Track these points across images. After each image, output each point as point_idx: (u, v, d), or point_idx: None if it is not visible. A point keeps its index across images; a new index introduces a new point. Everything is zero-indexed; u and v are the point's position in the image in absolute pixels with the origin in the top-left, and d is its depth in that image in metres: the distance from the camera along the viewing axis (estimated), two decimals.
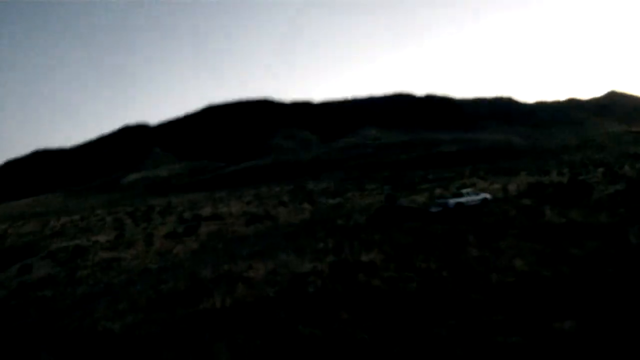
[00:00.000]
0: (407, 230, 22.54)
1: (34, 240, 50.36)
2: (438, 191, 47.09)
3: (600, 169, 55.35)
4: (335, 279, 14.09)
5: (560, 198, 28.81)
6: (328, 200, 51.51)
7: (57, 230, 61.73)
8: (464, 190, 29.65)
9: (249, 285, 14.85)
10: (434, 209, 28.18)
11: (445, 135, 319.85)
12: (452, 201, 27.96)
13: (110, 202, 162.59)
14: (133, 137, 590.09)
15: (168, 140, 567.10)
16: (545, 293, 10.78)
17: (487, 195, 30.32)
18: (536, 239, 17.44)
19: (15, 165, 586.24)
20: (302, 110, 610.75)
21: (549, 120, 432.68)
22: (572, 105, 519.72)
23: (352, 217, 31.68)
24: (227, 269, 17.65)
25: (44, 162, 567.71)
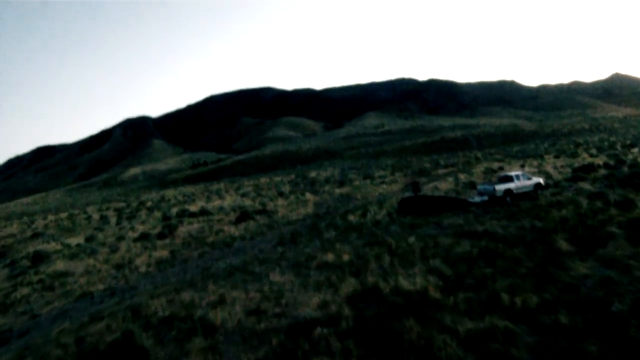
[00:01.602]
0: (452, 229, 16.13)
1: (12, 242, 45.10)
2: (463, 177, 40.51)
3: (635, 150, 48.69)
4: (364, 336, 7.72)
5: (625, 182, 22.59)
6: (334, 189, 44.86)
7: (38, 231, 56.11)
8: (513, 173, 23.05)
9: (211, 341, 8.52)
10: (476, 199, 21.82)
11: (449, 120, 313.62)
12: (500, 187, 21.56)
13: (107, 197, 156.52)
14: (134, 130, 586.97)
15: (169, 132, 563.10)
16: None
17: (540, 180, 23.86)
18: None
19: (17, 162, 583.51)
20: (305, 98, 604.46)
21: (552, 104, 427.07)
22: (576, 88, 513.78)
23: (368, 210, 25.13)
24: (187, 300, 11.32)
25: (46, 158, 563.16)
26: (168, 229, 27.56)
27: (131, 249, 23.99)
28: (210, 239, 23.22)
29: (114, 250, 24.55)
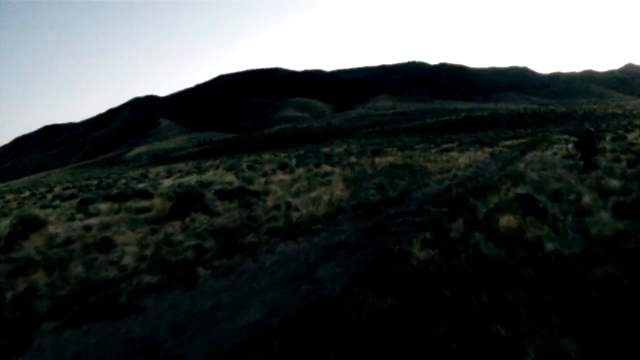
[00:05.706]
0: None
1: None
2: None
3: None
4: None
5: None
6: (373, 158, 27.56)
7: None
8: None
9: None
10: None
11: (462, 104, 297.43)
12: None
13: (93, 175, 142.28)
14: (142, 109, 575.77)
15: (178, 112, 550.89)
16: None
17: None
18: None
19: (24, 141, 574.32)
20: (314, 79, 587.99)
21: (566, 92, 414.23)
22: (589, 77, 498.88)
23: (536, 199, 8.56)
24: None
25: (53, 137, 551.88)
26: (20, 231, 11.75)
27: None
28: (76, 270, 7.21)
29: None
